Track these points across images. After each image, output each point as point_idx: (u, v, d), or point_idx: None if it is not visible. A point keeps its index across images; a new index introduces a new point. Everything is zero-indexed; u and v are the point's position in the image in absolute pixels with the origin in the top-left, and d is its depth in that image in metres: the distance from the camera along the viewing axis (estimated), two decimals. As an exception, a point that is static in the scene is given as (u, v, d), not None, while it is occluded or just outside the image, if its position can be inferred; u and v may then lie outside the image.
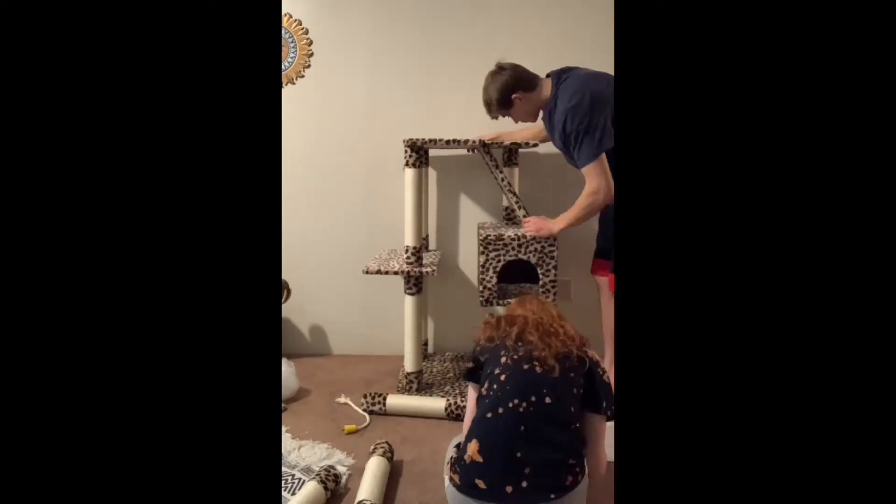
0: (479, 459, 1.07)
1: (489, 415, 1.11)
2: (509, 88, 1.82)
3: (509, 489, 1.04)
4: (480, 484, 1.05)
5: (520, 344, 1.19)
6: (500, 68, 1.85)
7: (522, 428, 1.08)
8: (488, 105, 1.87)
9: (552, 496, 1.03)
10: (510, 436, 1.07)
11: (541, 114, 1.91)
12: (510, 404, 1.10)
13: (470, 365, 1.27)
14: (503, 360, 1.18)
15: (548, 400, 1.10)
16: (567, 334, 1.21)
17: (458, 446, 1.17)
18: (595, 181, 1.72)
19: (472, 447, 1.08)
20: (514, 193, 1.99)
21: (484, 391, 1.17)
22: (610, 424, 1.15)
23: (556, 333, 1.19)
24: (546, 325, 1.22)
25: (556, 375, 1.12)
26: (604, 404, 1.17)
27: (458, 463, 1.11)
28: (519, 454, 1.06)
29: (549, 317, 1.25)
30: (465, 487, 1.06)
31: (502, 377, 1.15)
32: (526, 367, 1.15)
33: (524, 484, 1.03)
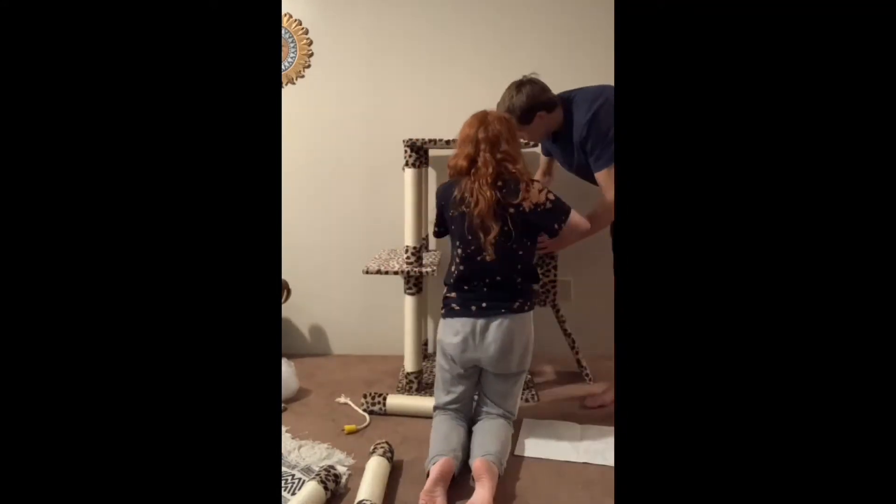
0: (454, 296, 1.60)
1: (461, 266, 1.58)
2: (536, 104, 1.72)
3: (474, 308, 1.54)
4: (455, 307, 1.57)
5: (463, 207, 1.53)
6: (529, 80, 1.74)
7: (482, 273, 1.55)
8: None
9: (503, 310, 1.53)
10: (471, 279, 1.57)
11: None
12: (473, 261, 1.56)
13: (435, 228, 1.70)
14: (455, 224, 1.58)
15: (498, 278, 1.55)
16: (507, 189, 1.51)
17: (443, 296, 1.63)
18: (612, 190, 1.69)
19: (450, 294, 1.60)
20: None
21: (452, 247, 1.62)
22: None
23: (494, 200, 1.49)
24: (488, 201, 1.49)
25: (493, 257, 1.51)
26: (556, 226, 1.57)
27: (444, 304, 1.62)
28: (479, 285, 1.56)
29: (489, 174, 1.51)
30: (448, 313, 1.59)
31: (457, 243, 1.59)
32: (471, 241, 1.54)
33: (483, 304, 1.54)
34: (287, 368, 1.97)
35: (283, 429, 1.72)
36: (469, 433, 1.59)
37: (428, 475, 1.40)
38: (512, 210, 1.50)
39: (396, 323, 2.24)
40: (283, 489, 1.41)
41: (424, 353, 2.32)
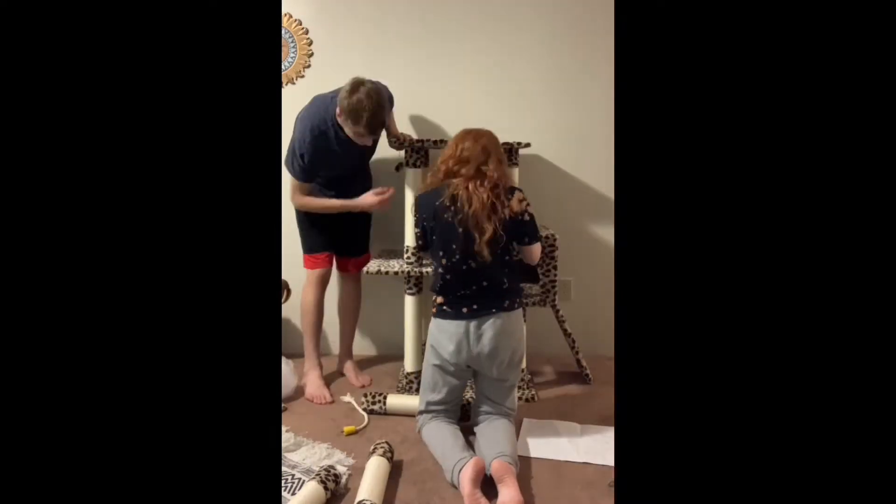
0: (444, 300, 1.63)
1: (447, 276, 1.61)
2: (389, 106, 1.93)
3: (465, 310, 1.57)
4: (447, 309, 1.60)
5: (452, 209, 1.56)
6: (369, 83, 1.77)
7: (469, 280, 1.58)
8: (379, 125, 1.79)
9: (493, 310, 1.57)
10: (458, 285, 1.60)
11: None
12: (458, 270, 1.59)
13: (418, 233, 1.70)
14: (440, 230, 1.60)
15: (484, 283, 1.58)
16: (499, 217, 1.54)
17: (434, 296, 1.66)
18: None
19: (440, 300, 1.62)
20: None
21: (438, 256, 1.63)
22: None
23: (488, 222, 1.53)
24: (479, 215, 1.53)
25: (487, 259, 1.54)
26: (526, 239, 1.63)
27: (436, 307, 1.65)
28: (467, 292, 1.58)
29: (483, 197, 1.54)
30: (439, 314, 1.62)
31: (440, 253, 1.60)
32: (456, 249, 1.57)
33: (475, 306, 1.57)
34: (287, 368, 1.97)
35: (283, 429, 1.72)
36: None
37: (455, 485, 1.39)
38: (501, 214, 1.55)
39: (396, 323, 2.24)
40: (283, 489, 1.41)
41: (424, 353, 2.32)
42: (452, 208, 1.56)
